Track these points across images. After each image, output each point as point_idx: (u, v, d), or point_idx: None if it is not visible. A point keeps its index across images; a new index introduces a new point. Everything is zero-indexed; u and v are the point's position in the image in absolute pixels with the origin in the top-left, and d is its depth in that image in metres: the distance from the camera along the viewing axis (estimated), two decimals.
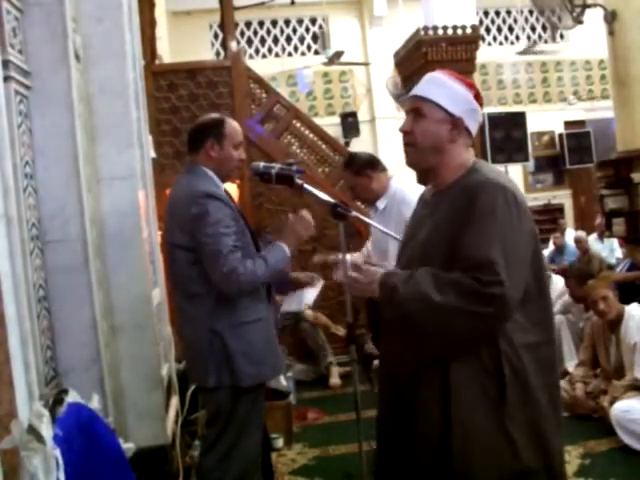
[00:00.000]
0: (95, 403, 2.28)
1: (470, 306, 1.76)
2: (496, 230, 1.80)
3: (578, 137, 12.20)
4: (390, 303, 1.89)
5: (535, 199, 11.67)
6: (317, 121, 8.61)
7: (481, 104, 2.03)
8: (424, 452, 1.90)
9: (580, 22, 7.65)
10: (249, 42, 12.44)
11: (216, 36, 11.99)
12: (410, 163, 2.04)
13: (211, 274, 2.52)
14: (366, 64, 12.09)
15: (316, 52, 12.35)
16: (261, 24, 12.45)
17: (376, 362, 3.80)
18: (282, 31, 12.55)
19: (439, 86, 1.99)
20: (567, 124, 12.53)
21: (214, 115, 2.83)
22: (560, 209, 12.29)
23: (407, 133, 2.00)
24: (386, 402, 2.09)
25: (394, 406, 2.01)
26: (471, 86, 2.02)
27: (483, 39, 11.91)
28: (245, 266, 2.51)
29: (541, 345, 1.93)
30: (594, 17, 7.88)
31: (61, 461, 1.80)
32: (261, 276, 2.56)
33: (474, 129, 2.01)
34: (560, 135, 12.38)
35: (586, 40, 11.75)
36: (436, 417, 1.87)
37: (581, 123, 12.58)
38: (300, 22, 12.60)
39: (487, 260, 1.77)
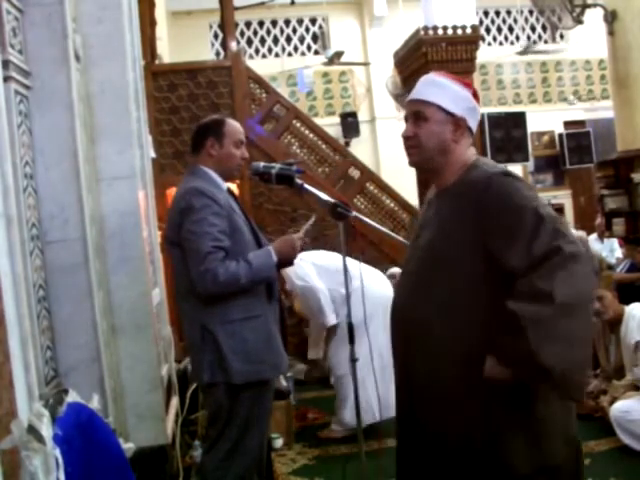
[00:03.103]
0: (95, 403, 2.27)
1: (577, 274, 1.74)
2: (536, 204, 1.82)
3: (578, 137, 12.20)
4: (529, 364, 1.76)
5: None
6: (317, 121, 8.61)
7: (478, 103, 2.04)
8: (442, 449, 1.92)
9: (580, 22, 7.66)
10: (249, 42, 12.43)
11: (216, 36, 12.00)
12: (414, 162, 2.03)
13: (190, 271, 2.52)
14: (366, 64, 12.08)
15: (316, 52, 12.34)
16: (261, 24, 12.45)
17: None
18: (282, 31, 12.55)
19: (438, 87, 1.99)
20: (567, 124, 12.53)
21: (214, 116, 2.85)
22: (560, 209, 12.28)
23: (410, 138, 1.99)
24: (402, 401, 2.10)
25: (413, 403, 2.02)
26: (468, 85, 2.03)
27: (483, 39, 11.90)
28: (226, 268, 2.48)
29: None
30: (594, 17, 7.89)
31: (61, 461, 1.80)
32: (244, 279, 2.51)
33: (474, 128, 2.02)
34: (560, 135, 12.38)
35: (586, 40, 11.76)
36: (456, 416, 1.88)
37: (581, 123, 12.58)
38: (300, 22, 12.60)
39: (553, 228, 1.77)
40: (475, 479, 1.88)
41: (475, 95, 2.02)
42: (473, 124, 2.01)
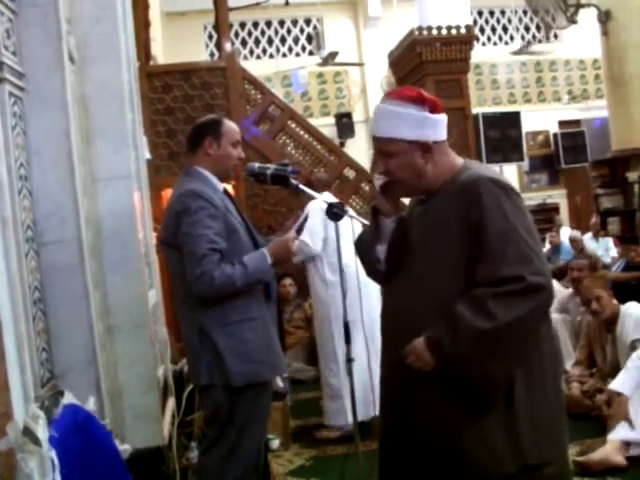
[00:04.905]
0: (91, 404, 2.27)
1: (528, 305, 1.80)
2: (514, 222, 1.84)
3: (573, 136, 12.23)
4: (452, 364, 1.85)
5: (530, 199, 11.67)
6: (312, 122, 8.61)
7: (440, 108, 1.97)
8: (430, 450, 1.92)
9: (574, 22, 7.68)
10: (243, 43, 12.44)
11: (210, 37, 11.99)
12: (400, 195, 2.09)
13: (186, 274, 2.52)
14: (361, 64, 12.10)
15: (310, 53, 12.36)
16: (255, 25, 12.45)
17: None
18: (276, 32, 12.55)
19: (394, 118, 1.93)
20: (561, 124, 12.56)
21: (211, 116, 2.85)
22: (555, 208, 12.31)
23: (386, 173, 2.00)
24: (389, 400, 2.10)
25: (398, 403, 2.02)
26: (423, 99, 1.95)
27: (477, 39, 11.91)
28: (222, 270, 2.48)
29: (549, 337, 1.97)
30: (588, 17, 7.92)
31: (57, 463, 1.79)
32: (239, 281, 2.51)
33: (443, 135, 1.99)
34: (555, 135, 12.41)
35: (580, 40, 11.79)
36: (445, 416, 1.89)
37: (575, 123, 12.62)
38: (294, 23, 12.60)
39: (522, 253, 1.81)
40: (460, 478, 1.89)
41: (435, 105, 1.96)
42: (439, 134, 1.97)
